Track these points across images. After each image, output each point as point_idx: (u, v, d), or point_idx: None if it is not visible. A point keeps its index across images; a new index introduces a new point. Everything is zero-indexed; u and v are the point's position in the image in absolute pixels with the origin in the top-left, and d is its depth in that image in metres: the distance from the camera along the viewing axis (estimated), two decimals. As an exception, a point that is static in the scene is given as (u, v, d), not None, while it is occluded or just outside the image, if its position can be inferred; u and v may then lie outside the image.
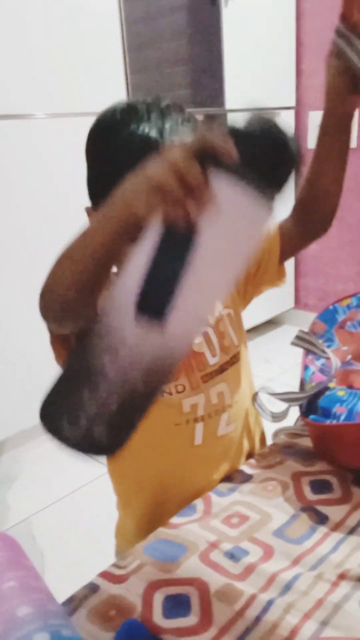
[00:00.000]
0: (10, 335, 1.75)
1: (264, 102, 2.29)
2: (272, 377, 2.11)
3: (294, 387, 0.77)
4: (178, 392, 0.71)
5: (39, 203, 1.72)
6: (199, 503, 0.69)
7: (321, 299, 2.70)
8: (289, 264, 2.80)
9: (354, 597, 0.53)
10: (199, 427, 0.73)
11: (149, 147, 0.59)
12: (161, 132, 0.61)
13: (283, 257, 0.79)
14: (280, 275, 0.80)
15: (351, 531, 0.61)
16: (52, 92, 1.69)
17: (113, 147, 0.61)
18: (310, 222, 0.77)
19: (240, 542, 0.61)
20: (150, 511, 0.77)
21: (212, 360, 0.73)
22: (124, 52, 1.84)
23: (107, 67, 1.82)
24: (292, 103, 2.46)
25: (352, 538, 0.60)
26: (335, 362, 0.72)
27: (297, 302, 2.80)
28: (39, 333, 0.66)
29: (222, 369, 0.74)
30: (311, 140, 2.51)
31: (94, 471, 1.81)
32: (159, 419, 0.65)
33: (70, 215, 1.76)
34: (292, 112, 2.46)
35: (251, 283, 0.80)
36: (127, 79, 1.86)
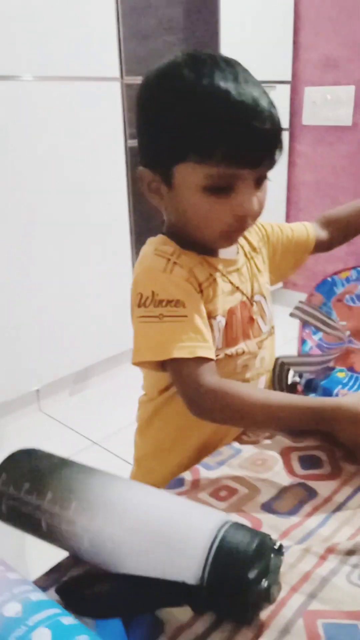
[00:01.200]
0: None
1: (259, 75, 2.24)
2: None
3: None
4: (238, 354, 0.77)
5: (23, 167, 1.68)
6: (187, 476, 0.68)
7: (310, 279, 2.70)
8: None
9: (342, 571, 0.53)
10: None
11: (227, 99, 0.60)
12: (236, 81, 0.61)
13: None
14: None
15: (340, 506, 0.61)
16: (42, 54, 1.64)
17: (189, 98, 0.61)
18: (346, 238, 0.91)
19: (228, 515, 0.60)
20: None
21: (265, 328, 0.80)
22: (118, 18, 1.78)
23: (100, 33, 1.77)
24: (288, 77, 2.41)
25: (340, 513, 0.60)
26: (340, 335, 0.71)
27: (286, 281, 2.79)
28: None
29: (269, 335, 0.82)
30: (306, 117, 2.48)
31: (79, 443, 1.81)
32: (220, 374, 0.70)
33: (55, 180, 1.73)
34: (287, 87, 2.42)
35: (280, 269, 0.88)
36: (119, 46, 1.81)
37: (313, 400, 0.61)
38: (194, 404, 0.67)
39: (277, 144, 0.64)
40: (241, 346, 0.77)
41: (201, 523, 0.48)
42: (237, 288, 0.77)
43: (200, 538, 0.47)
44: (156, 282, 0.68)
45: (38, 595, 0.43)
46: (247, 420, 0.67)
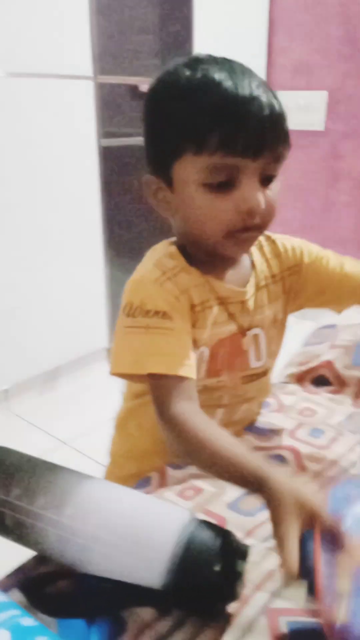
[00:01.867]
0: None
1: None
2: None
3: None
4: (218, 387, 0.71)
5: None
6: (154, 476, 0.68)
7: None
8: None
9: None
10: (219, 412, 0.73)
11: (221, 87, 0.58)
12: (232, 72, 0.59)
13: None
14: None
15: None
16: (13, 50, 1.62)
17: (182, 91, 0.60)
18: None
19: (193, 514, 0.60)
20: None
21: (256, 364, 0.72)
22: (91, 15, 1.77)
23: (73, 30, 1.75)
24: (262, 81, 2.44)
25: (304, 511, 0.61)
26: None
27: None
28: None
29: (264, 374, 0.74)
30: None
31: (49, 443, 1.79)
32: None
33: (24, 179, 1.71)
34: (261, 91, 2.44)
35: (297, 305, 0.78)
36: (93, 44, 1.80)
37: (254, 465, 0.52)
38: (159, 424, 0.62)
39: (277, 132, 0.60)
40: (222, 379, 0.71)
41: (166, 523, 0.48)
42: (233, 319, 0.70)
43: (165, 539, 0.47)
44: (146, 291, 0.65)
45: (2, 598, 0.43)
46: (193, 458, 0.60)
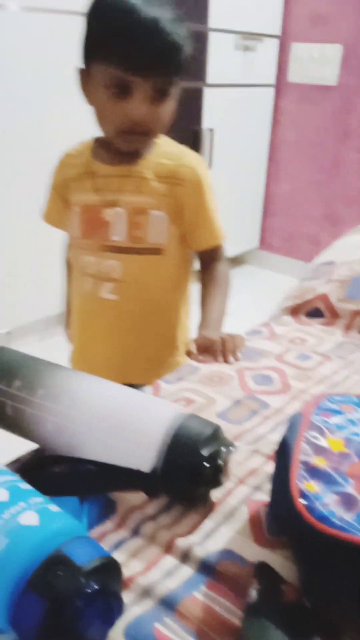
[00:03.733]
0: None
1: (248, 26, 2.21)
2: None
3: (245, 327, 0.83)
4: (84, 249, 0.87)
5: (7, 95, 1.64)
6: (147, 389, 0.71)
7: (286, 240, 2.72)
8: (257, 204, 2.80)
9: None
10: (88, 280, 0.87)
11: (128, 11, 0.71)
12: (144, 7, 0.71)
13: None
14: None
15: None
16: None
17: (103, 10, 0.75)
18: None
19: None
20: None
21: (115, 238, 0.84)
22: None
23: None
24: (277, 32, 2.38)
25: (290, 422, 0.64)
26: None
27: (262, 242, 2.81)
28: None
29: (121, 250, 0.85)
30: (292, 73, 2.46)
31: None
32: (73, 265, 0.92)
33: (40, 109, 1.69)
34: (276, 42, 2.39)
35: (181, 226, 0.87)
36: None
37: None
38: None
39: (169, 60, 0.72)
40: (90, 242, 0.86)
41: (159, 413, 0.51)
42: (96, 191, 0.84)
43: (157, 426, 0.50)
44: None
45: (25, 486, 0.45)
46: None
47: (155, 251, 0.85)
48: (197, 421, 0.50)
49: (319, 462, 0.44)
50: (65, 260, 1.01)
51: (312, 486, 0.42)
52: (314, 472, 0.43)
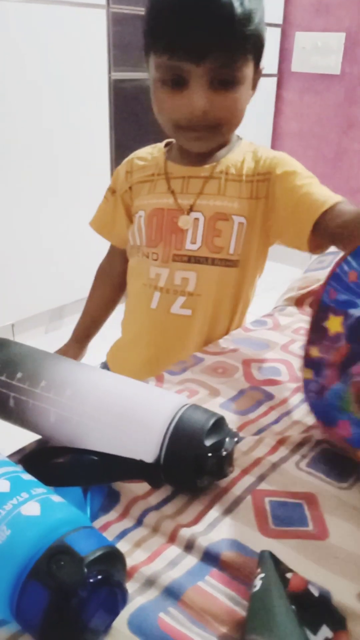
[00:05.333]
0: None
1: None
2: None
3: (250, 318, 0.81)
4: (152, 260, 0.79)
5: (6, 88, 1.64)
6: (151, 380, 0.70)
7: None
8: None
9: (291, 459, 0.56)
10: (156, 295, 0.79)
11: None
12: None
13: (318, 235, 0.70)
14: (307, 244, 0.72)
15: (294, 408, 0.64)
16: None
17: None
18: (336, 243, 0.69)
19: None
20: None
21: (191, 246, 0.77)
22: None
23: None
24: (279, 20, 2.36)
25: (295, 412, 0.63)
26: None
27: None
28: None
29: (197, 260, 0.77)
30: (295, 63, 2.44)
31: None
32: (135, 277, 0.83)
33: (32, 110, 1.69)
34: (278, 30, 2.37)
35: (274, 226, 0.78)
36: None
37: None
38: None
39: (223, 38, 0.63)
40: (157, 250, 0.78)
41: (162, 403, 0.51)
42: (173, 194, 0.77)
43: (160, 416, 0.49)
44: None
45: (27, 477, 0.45)
46: None
47: (234, 263, 0.78)
48: (200, 411, 0.50)
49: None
50: (100, 268, 0.98)
51: None
52: None
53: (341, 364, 0.49)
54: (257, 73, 0.72)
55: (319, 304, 0.52)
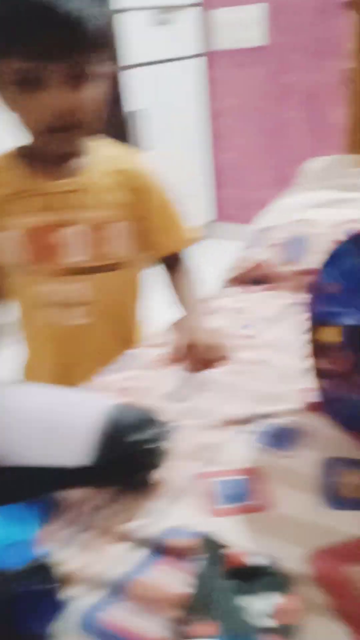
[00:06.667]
0: None
1: (163, 0, 2.17)
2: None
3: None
4: (40, 277, 0.76)
5: None
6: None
7: (241, 208, 2.72)
8: (208, 176, 2.79)
9: (238, 438, 0.57)
10: (51, 310, 0.78)
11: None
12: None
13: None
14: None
15: (237, 389, 0.65)
16: None
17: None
18: None
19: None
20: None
21: (76, 258, 0.76)
22: None
23: None
24: (197, 0, 2.35)
25: (238, 394, 0.64)
26: None
27: (220, 214, 2.80)
28: None
29: (85, 270, 0.77)
30: (220, 41, 2.43)
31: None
32: (23, 296, 0.80)
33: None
34: (199, 10, 2.35)
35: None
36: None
37: None
38: None
39: (75, 37, 0.63)
40: (42, 267, 0.76)
41: (90, 408, 0.51)
42: (45, 209, 0.74)
43: (88, 421, 0.50)
44: None
45: None
46: None
47: (122, 265, 0.79)
48: (126, 410, 0.50)
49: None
50: None
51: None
52: None
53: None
54: (112, 67, 0.72)
55: (311, 317, 0.53)
